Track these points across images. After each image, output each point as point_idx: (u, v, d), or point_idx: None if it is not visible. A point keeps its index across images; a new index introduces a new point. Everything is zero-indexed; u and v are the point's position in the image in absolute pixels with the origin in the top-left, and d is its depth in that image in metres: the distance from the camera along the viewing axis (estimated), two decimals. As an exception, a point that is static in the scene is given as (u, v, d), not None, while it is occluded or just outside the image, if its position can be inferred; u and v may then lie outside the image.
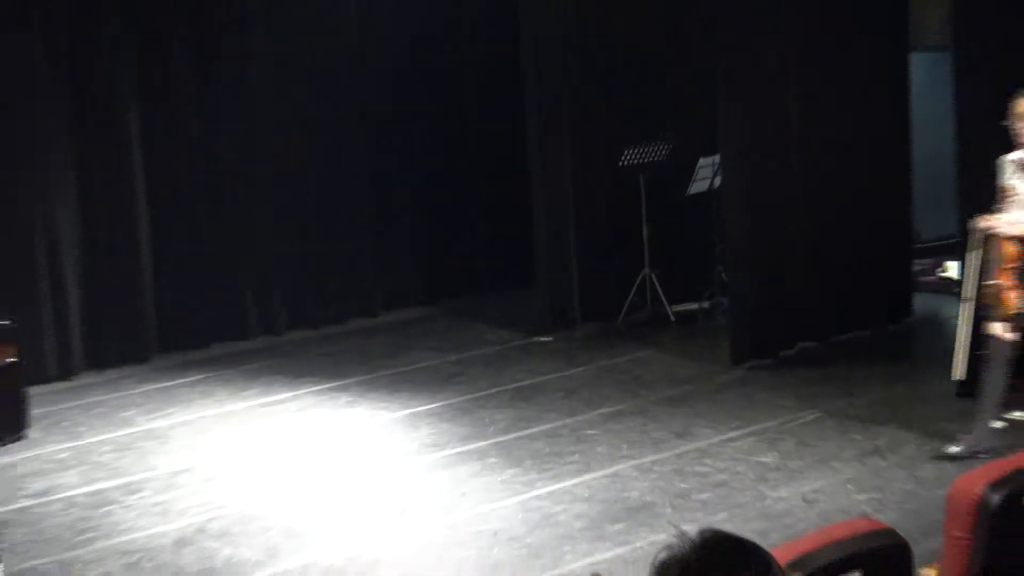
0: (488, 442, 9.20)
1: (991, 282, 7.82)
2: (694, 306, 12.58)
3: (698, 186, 12.35)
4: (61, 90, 11.32)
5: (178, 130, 11.98)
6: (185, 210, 12.10)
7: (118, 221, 11.66)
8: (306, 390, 10.67)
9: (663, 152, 12.38)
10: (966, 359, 8.19)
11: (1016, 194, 7.79)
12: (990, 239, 7.85)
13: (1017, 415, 8.41)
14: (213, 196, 12.25)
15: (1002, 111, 7.77)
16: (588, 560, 7.11)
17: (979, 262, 7.96)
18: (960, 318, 8.24)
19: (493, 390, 10.50)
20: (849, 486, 7.91)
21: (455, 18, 13.87)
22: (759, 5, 10.80)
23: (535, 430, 9.43)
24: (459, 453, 9.02)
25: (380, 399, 10.25)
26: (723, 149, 11.00)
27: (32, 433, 7.31)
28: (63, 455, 9.29)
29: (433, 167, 13.80)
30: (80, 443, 9.52)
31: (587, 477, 8.43)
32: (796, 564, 3.56)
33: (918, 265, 12.59)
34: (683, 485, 8.20)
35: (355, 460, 9.00)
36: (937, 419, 8.94)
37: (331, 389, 10.64)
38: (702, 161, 12.19)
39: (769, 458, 8.51)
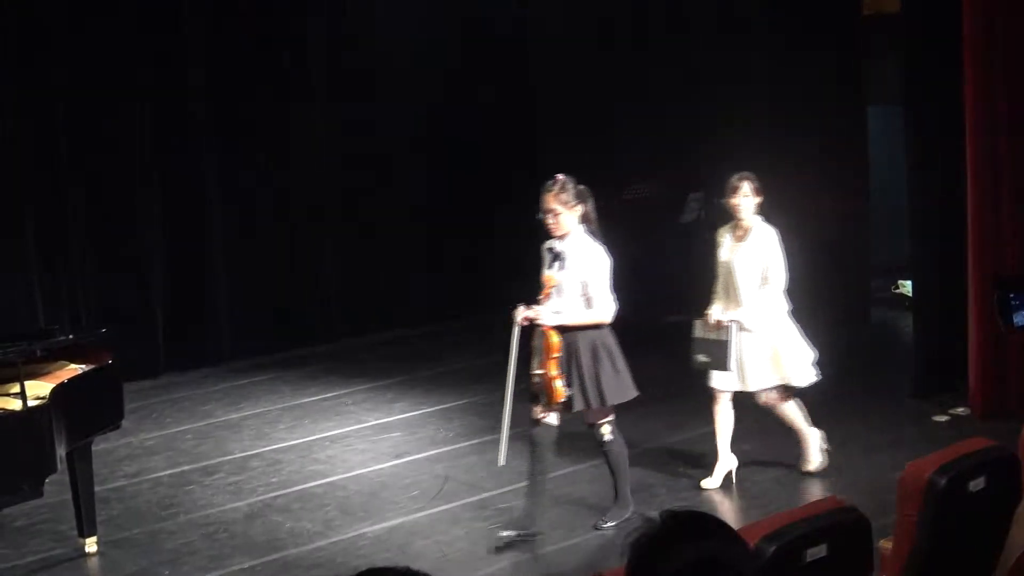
0: (512, 431, 9.14)
1: (539, 372, 6.87)
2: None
3: (686, 216, 12.29)
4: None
5: (252, 160, 11.75)
6: (257, 231, 11.93)
7: (196, 241, 11.56)
8: (358, 388, 10.64)
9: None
10: (507, 446, 7.00)
11: (554, 284, 6.89)
12: (535, 329, 6.87)
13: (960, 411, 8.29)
14: (279, 216, 12.01)
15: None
16: (596, 532, 7.12)
17: (517, 353, 6.81)
18: (505, 408, 6.94)
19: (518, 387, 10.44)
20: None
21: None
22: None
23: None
24: (487, 441, 8.99)
25: (418, 396, 10.23)
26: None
27: (126, 423, 7.31)
28: (151, 442, 9.30)
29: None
30: (166, 432, 9.53)
31: (597, 461, 8.41)
32: (769, 537, 3.54)
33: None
34: (679, 469, 8.19)
35: (398, 446, 8.98)
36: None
37: (379, 387, 10.59)
38: (692, 195, 12.15)
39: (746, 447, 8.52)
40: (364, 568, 2.52)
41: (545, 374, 6.84)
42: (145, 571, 6.95)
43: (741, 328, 7.49)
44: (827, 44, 11.40)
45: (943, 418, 8.76)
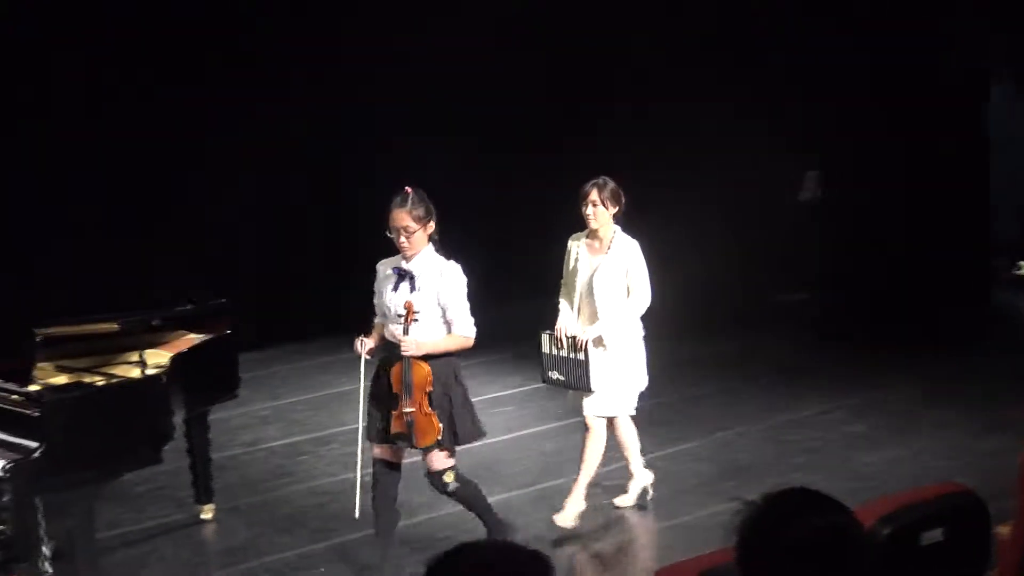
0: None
1: (408, 410, 5.99)
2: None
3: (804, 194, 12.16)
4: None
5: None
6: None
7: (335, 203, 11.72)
8: (474, 361, 10.48)
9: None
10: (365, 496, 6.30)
11: (416, 309, 6.03)
12: (393, 361, 6.08)
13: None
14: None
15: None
16: (703, 512, 7.07)
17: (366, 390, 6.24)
18: (359, 458, 6.30)
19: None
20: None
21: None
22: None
23: (658, 401, 9.37)
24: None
25: (526, 374, 10.20)
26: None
27: (242, 393, 7.43)
28: (266, 412, 9.45)
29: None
30: (280, 403, 9.68)
31: (703, 441, 8.38)
32: (884, 519, 3.49)
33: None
34: (785, 450, 8.15)
35: (510, 421, 9.01)
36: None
37: (493, 361, 10.48)
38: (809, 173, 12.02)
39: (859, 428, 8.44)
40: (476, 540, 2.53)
41: (417, 412, 6.01)
42: (259, 538, 7.08)
43: (598, 345, 6.78)
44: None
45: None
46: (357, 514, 6.23)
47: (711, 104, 11.85)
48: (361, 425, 6.23)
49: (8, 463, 5.62)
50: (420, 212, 6.03)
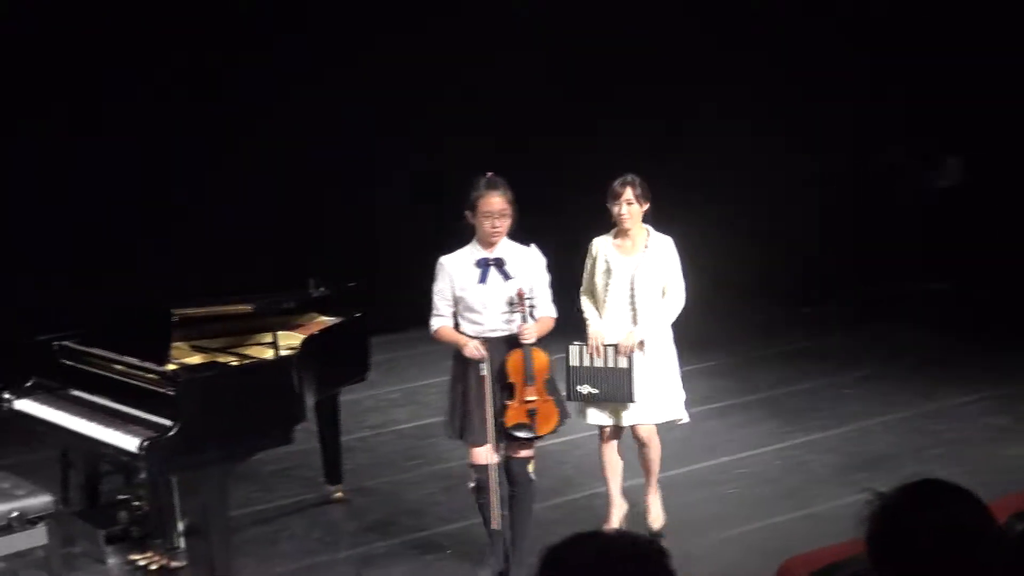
0: (753, 397, 9.09)
1: (531, 398, 5.94)
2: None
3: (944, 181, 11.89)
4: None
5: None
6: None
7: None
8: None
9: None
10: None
11: (528, 296, 5.98)
12: (500, 353, 5.96)
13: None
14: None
15: None
16: (835, 502, 6.96)
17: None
18: (490, 465, 6.02)
19: (760, 353, 10.35)
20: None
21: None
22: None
23: (794, 388, 9.28)
24: (727, 405, 8.93)
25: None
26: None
27: (372, 375, 7.51)
28: (395, 395, 9.54)
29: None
30: (409, 385, 9.76)
31: (837, 431, 8.26)
32: (1020, 515, 3.40)
33: None
34: (922, 441, 7.98)
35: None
36: None
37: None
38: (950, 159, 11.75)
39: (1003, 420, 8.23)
40: (593, 529, 2.52)
41: (539, 399, 5.98)
42: (388, 520, 7.14)
43: (639, 350, 6.41)
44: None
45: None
46: (496, 524, 6.10)
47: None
48: (455, 426, 6.09)
49: (144, 441, 5.74)
50: (511, 196, 5.96)
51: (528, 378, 5.95)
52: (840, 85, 11.98)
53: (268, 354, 6.43)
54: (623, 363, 6.33)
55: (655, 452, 6.63)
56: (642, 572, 2.28)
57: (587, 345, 6.37)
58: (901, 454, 7.76)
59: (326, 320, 7.14)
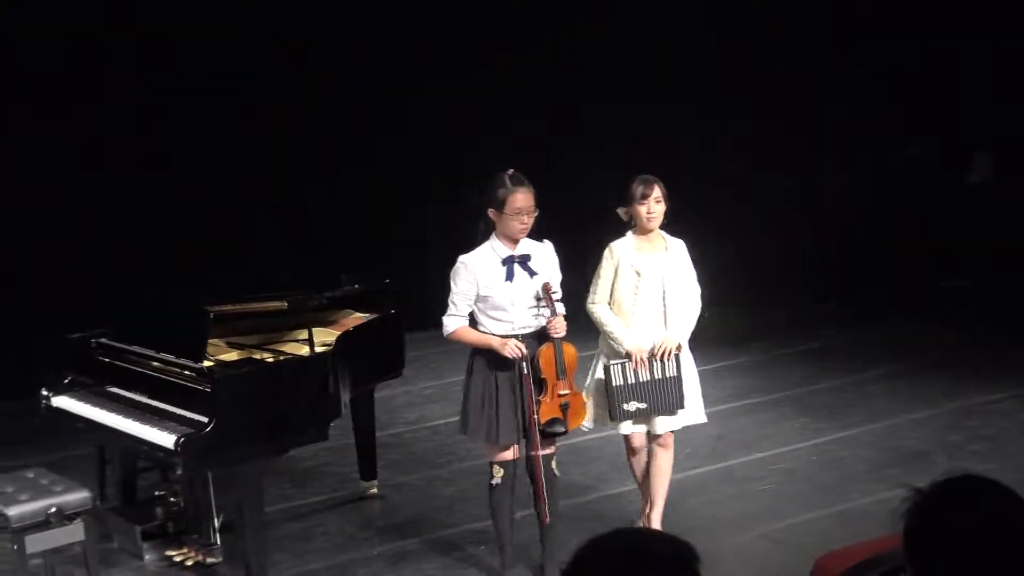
0: (783, 394, 9.08)
1: (564, 392, 5.94)
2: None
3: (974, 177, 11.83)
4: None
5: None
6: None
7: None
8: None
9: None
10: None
11: (555, 290, 5.95)
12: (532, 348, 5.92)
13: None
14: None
15: None
16: (870, 499, 6.95)
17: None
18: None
19: (787, 350, 10.33)
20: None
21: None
22: None
23: (823, 385, 9.26)
24: (760, 402, 8.92)
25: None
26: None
27: (406, 372, 7.53)
28: (430, 391, 9.57)
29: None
30: (442, 381, 9.78)
31: (869, 427, 8.24)
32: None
33: None
34: (954, 437, 7.97)
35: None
36: None
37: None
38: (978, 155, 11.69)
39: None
40: (627, 525, 2.53)
41: (571, 393, 5.99)
42: (422, 516, 7.17)
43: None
44: None
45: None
46: (545, 518, 6.04)
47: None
48: (480, 427, 6.02)
49: (180, 437, 5.78)
50: (534, 192, 5.87)
51: (560, 372, 5.93)
52: (862, 79, 11.93)
53: (303, 351, 6.46)
54: (671, 371, 6.17)
55: (671, 457, 6.42)
56: (674, 573, 2.28)
57: (628, 361, 6.13)
58: (934, 450, 7.75)
59: (361, 316, 7.17)
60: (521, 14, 11.43)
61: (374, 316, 7.13)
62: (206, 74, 10.14)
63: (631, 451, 6.48)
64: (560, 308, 5.95)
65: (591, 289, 6.26)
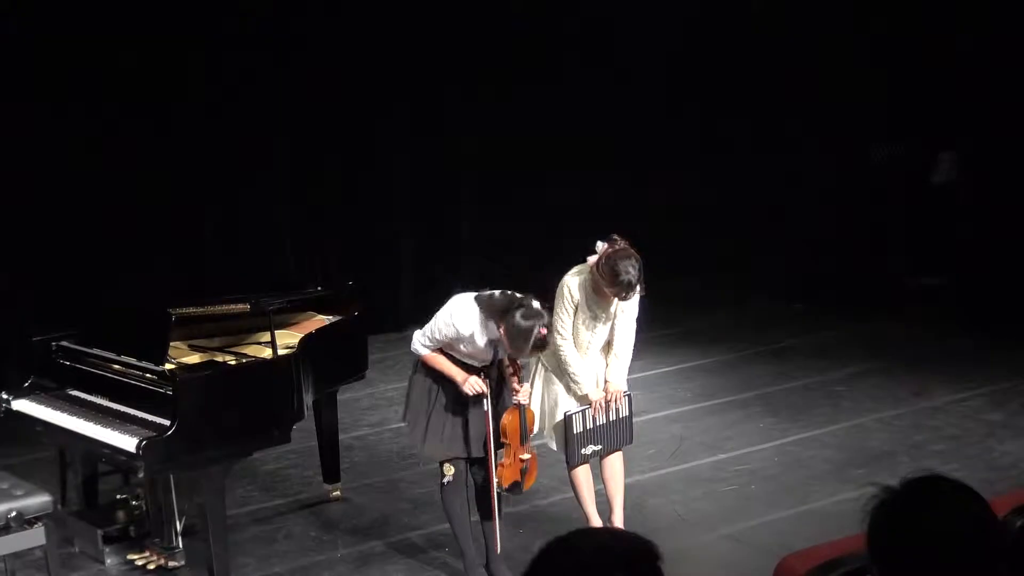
0: (749, 394, 9.10)
1: (526, 456, 6.09)
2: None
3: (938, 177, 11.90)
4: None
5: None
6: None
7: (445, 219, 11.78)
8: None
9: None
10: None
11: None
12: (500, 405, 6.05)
13: None
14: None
15: None
16: (834, 499, 6.98)
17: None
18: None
19: (753, 350, 10.35)
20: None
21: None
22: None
23: (789, 385, 9.29)
24: (725, 402, 8.94)
25: (656, 355, 10.15)
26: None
27: (370, 374, 7.51)
28: (393, 393, 9.51)
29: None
30: (406, 384, 9.72)
31: (834, 427, 8.28)
32: (1018, 510, 3.41)
33: None
34: (918, 437, 8.00)
35: (636, 405, 8.94)
36: None
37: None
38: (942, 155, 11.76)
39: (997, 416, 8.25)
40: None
41: (530, 457, 6.15)
42: (385, 518, 7.15)
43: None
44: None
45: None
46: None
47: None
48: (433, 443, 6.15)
49: (142, 440, 5.75)
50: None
51: (524, 439, 6.05)
52: (835, 80, 11.98)
53: (266, 353, 6.43)
54: (624, 411, 6.34)
55: (621, 457, 6.45)
56: (637, 571, 2.28)
57: (589, 408, 6.22)
58: (898, 450, 7.79)
59: (324, 319, 7.14)
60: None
61: (337, 318, 7.11)
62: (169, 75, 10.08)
63: (578, 484, 6.39)
64: (527, 375, 6.12)
65: (556, 325, 6.11)
